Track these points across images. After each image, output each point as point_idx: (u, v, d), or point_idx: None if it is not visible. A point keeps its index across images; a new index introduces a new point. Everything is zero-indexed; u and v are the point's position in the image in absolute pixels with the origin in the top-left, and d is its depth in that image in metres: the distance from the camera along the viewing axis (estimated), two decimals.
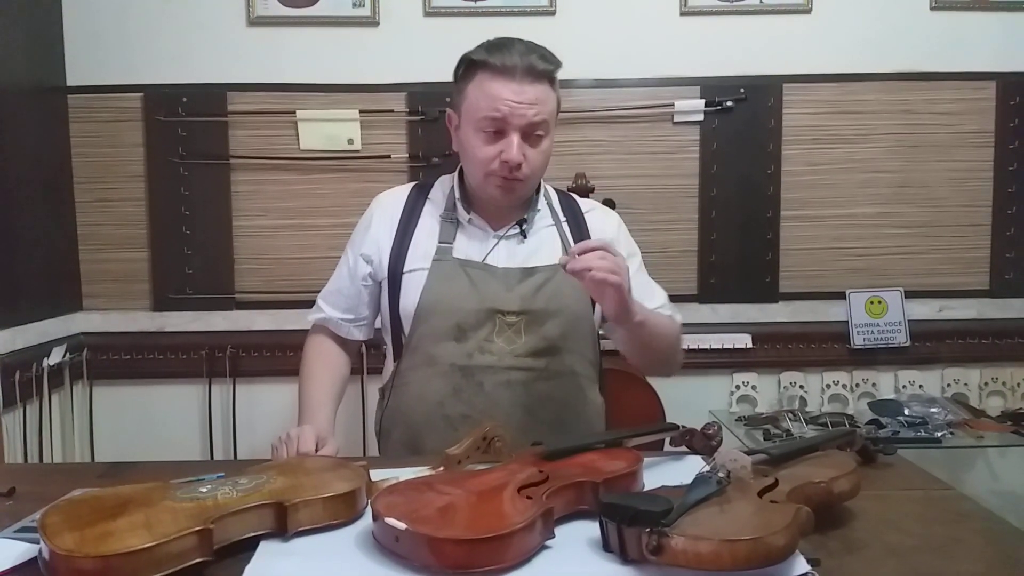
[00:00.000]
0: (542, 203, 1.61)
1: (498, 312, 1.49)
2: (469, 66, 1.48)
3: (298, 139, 2.58)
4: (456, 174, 1.60)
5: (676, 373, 1.68)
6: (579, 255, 1.27)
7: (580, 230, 1.61)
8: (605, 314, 1.44)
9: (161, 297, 2.61)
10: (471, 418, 1.44)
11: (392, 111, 2.57)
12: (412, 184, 1.68)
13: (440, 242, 1.54)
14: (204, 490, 1.01)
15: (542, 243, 1.57)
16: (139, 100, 2.57)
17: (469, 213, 1.56)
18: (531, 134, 1.45)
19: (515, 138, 1.43)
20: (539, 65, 1.44)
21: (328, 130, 2.57)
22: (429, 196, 1.62)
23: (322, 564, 0.93)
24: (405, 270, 1.54)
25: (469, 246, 1.55)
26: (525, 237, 1.56)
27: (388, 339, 1.63)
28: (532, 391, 1.49)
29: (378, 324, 1.69)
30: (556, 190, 1.68)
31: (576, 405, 1.56)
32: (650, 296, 1.62)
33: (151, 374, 2.61)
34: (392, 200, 1.63)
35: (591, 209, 1.67)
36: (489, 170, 1.47)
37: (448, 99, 2.49)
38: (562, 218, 1.61)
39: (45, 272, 2.44)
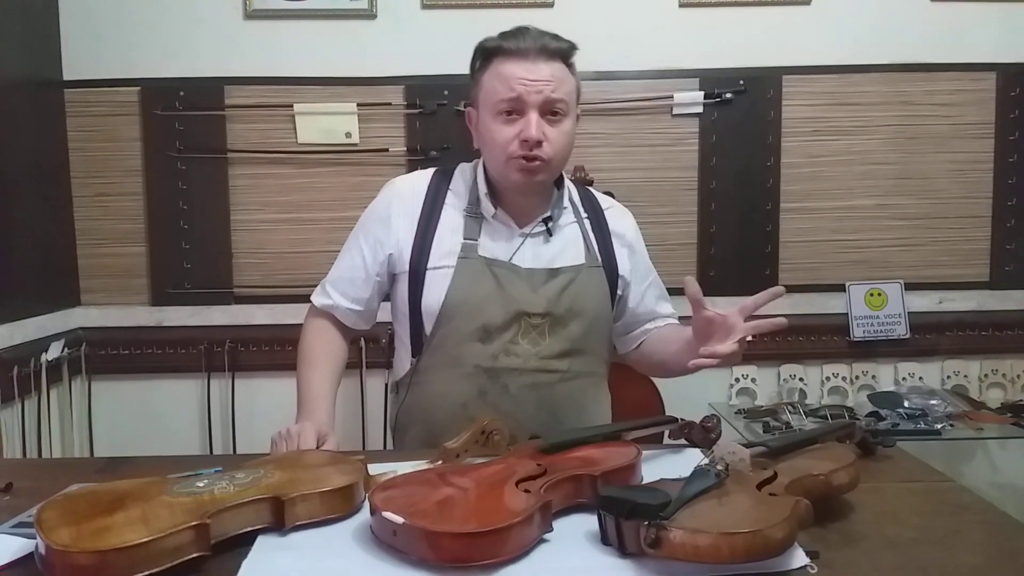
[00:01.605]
0: (566, 200, 1.58)
1: (524, 314, 1.46)
2: (484, 56, 1.48)
3: (296, 133, 2.57)
4: (480, 166, 1.56)
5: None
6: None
7: (601, 228, 1.59)
8: (707, 359, 1.32)
9: (159, 292, 2.61)
10: None
11: (390, 104, 2.56)
12: (431, 171, 1.61)
13: (465, 238, 1.50)
14: (201, 484, 1.01)
15: (567, 242, 1.55)
16: (136, 94, 2.56)
17: (495, 208, 1.52)
18: (549, 113, 1.43)
19: (533, 115, 1.41)
20: (552, 44, 1.44)
21: (326, 124, 2.56)
22: (451, 187, 1.57)
23: (320, 558, 0.93)
24: (429, 266, 1.50)
25: (495, 244, 1.51)
26: (551, 235, 1.54)
27: (405, 335, 1.57)
28: (556, 393, 1.48)
29: (384, 317, 1.65)
30: (574, 183, 1.66)
31: (595, 405, 1.56)
32: (664, 300, 1.66)
33: (150, 369, 2.60)
34: (411, 190, 1.58)
35: (610, 206, 1.66)
36: (509, 153, 1.43)
37: (446, 92, 2.53)
38: (584, 215, 1.59)
39: (42, 267, 2.44)
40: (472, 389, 1.47)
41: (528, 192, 1.51)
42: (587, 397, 1.54)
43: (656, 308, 1.65)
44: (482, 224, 1.52)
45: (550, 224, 1.53)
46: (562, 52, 1.45)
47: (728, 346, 1.28)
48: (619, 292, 1.60)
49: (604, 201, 1.66)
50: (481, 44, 1.49)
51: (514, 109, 1.43)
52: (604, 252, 1.57)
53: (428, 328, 1.50)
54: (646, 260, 1.67)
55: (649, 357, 1.65)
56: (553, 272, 1.50)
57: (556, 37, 1.46)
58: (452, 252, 1.49)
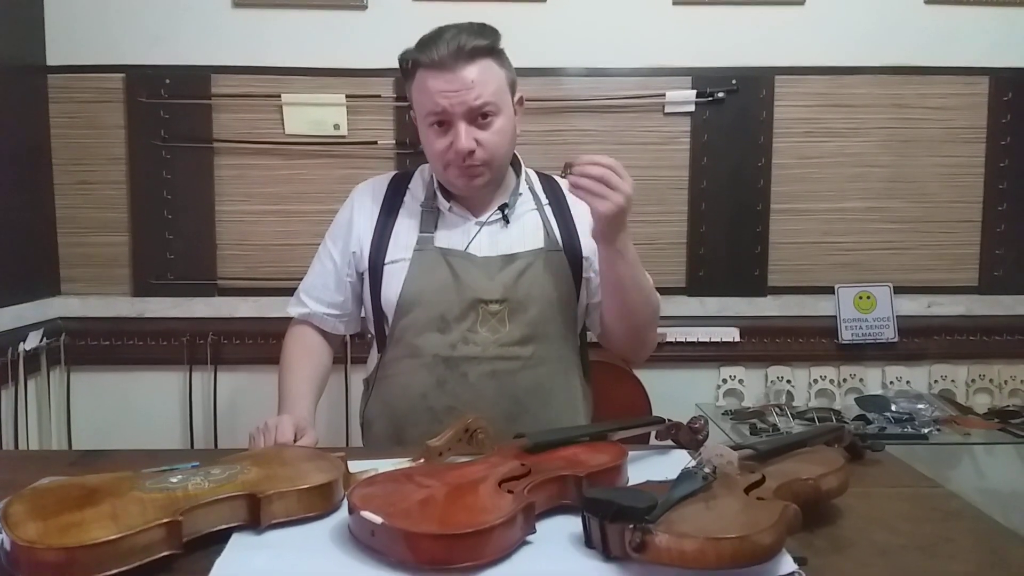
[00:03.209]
0: (523, 187, 1.59)
1: (481, 301, 1.47)
2: (407, 69, 1.47)
3: (283, 123, 2.54)
4: None
5: (646, 356, 1.63)
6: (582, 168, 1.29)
7: (563, 212, 1.58)
8: (592, 232, 1.41)
9: (141, 282, 2.57)
10: (456, 410, 1.43)
11: (379, 96, 2.53)
12: (392, 173, 1.66)
13: (421, 232, 1.52)
14: (174, 480, 0.99)
15: (525, 229, 1.55)
16: (121, 81, 2.51)
17: (449, 201, 1.54)
18: (479, 116, 1.42)
19: (461, 127, 1.41)
20: (468, 44, 1.40)
21: (314, 115, 2.53)
22: (409, 186, 1.60)
23: (296, 558, 0.91)
24: (386, 261, 1.52)
25: (451, 235, 1.53)
26: (507, 223, 1.54)
27: (372, 330, 1.61)
28: (518, 380, 1.48)
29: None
30: (537, 173, 1.66)
31: (563, 393, 1.55)
32: None
33: (130, 360, 2.56)
34: (372, 190, 1.61)
35: None
36: (445, 162, 1.45)
37: None
38: (544, 201, 1.59)
39: (22, 255, 2.39)
40: (431, 379, 1.47)
41: (474, 194, 1.52)
42: (555, 384, 1.53)
43: None
44: (439, 217, 1.54)
45: (506, 211, 1.54)
46: (480, 50, 1.41)
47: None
48: (585, 275, 1.57)
49: (567, 186, 1.64)
50: (401, 57, 1.47)
51: (442, 120, 1.43)
52: (566, 236, 1.55)
53: (390, 321, 1.52)
54: None
55: (609, 328, 1.60)
56: (509, 258, 1.50)
57: (476, 32, 1.42)
58: (409, 245, 1.52)
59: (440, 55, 1.39)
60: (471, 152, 1.42)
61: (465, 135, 1.41)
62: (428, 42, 1.42)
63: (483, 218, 1.54)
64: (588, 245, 1.55)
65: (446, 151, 1.44)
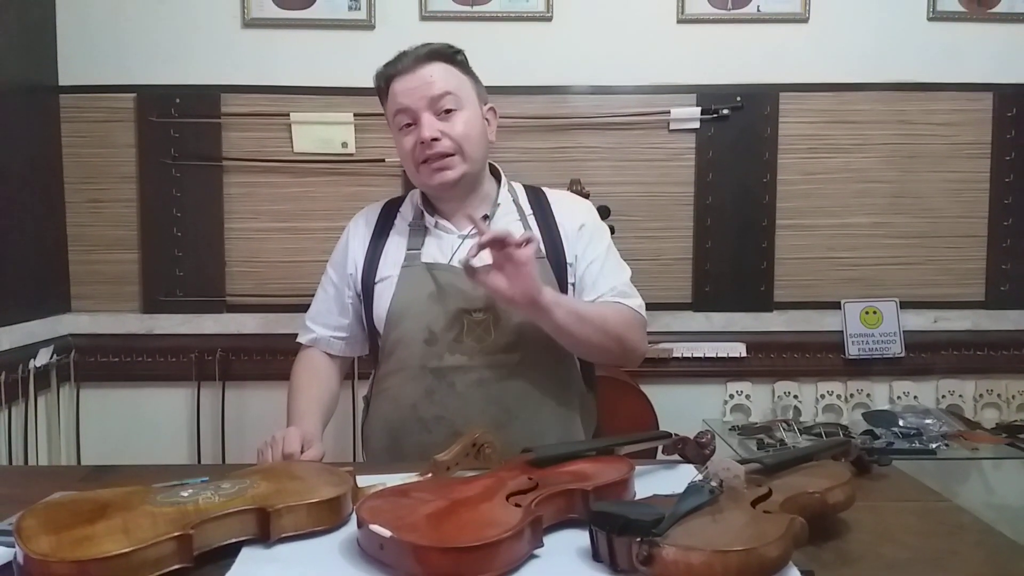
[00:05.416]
0: (503, 197, 1.61)
1: (465, 311, 1.49)
2: (381, 88, 1.55)
3: (292, 142, 2.56)
4: None
5: (637, 361, 1.60)
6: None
7: (547, 222, 1.60)
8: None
9: (151, 299, 2.59)
10: (444, 419, 1.47)
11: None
12: (385, 200, 1.71)
13: (408, 249, 1.56)
14: (185, 494, 0.99)
15: None
16: (132, 100, 2.55)
17: (434, 217, 1.58)
18: (443, 111, 1.48)
19: (424, 117, 1.47)
20: (423, 50, 1.50)
21: (322, 133, 2.56)
22: (400, 209, 1.65)
23: (304, 571, 0.91)
24: (377, 279, 1.57)
25: (437, 250, 1.56)
26: None
27: (371, 349, 1.65)
28: (506, 387, 1.49)
29: None
30: (524, 186, 1.68)
31: (554, 399, 1.55)
32: (612, 275, 1.58)
33: (140, 377, 2.58)
34: (366, 216, 1.67)
35: (559, 200, 1.66)
36: (416, 159, 1.50)
37: None
38: (528, 211, 1.61)
39: (33, 272, 2.42)
40: (420, 389, 1.50)
41: (451, 193, 1.55)
42: (545, 391, 1.53)
43: (593, 285, 1.57)
44: (426, 235, 1.58)
45: (487, 223, 1.56)
46: (439, 53, 1.51)
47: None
48: (570, 281, 1.57)
49: (553, 195, 1.67)
50: (375, 77, 1.56)
51: (411, 120, 1.49)
52: (550, 244, 1.56)
53: (382, 337, 1.56)
54: (591, 239, 1.59)
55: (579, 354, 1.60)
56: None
57: (437, 45, 1.53)
58: (397, 263, 1.56)
59: (404, 61, 1.50)
60: (435, 140, 1.46)
61: (427, 123, 1.47)
62: (395, 59, 1.53)
63: (466, 232, 1.56)
64: (571, 251, 1.57)
65: (414, 148, 1.49)
